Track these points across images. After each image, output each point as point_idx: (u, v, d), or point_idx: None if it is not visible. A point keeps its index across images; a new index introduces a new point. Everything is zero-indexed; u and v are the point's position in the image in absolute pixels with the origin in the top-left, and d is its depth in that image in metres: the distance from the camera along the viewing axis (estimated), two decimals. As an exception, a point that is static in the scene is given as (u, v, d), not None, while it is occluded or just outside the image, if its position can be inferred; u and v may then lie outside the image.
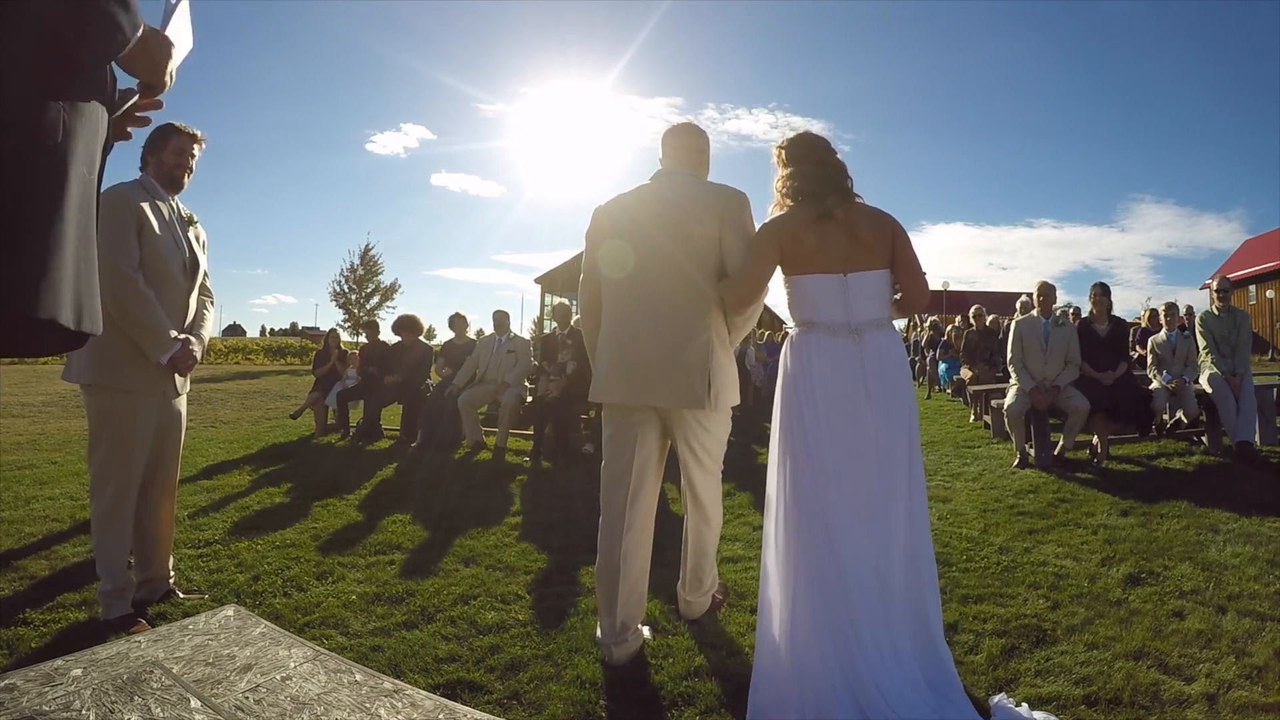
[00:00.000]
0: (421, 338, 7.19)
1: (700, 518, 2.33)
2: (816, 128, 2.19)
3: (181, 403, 2.62)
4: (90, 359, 2.35)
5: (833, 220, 1.94)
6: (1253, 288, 27.41)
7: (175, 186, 2.52)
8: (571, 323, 6.46)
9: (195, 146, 2.53)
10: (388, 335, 8.14)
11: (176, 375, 2.51)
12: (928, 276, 2.24)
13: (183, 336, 2.48)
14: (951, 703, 1.70)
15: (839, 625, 1.72)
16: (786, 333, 2.20)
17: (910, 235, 2.02)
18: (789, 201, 2.02)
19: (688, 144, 2.29)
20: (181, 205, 2.57)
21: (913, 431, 1.89)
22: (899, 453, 1.85)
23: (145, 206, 2.38)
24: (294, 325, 63.59)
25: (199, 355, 2.54)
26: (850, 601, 1.73)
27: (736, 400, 2.27)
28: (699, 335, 2.11)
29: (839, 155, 2.05)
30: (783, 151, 2.10)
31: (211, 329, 2.71)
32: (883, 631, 1.74)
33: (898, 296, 2.02)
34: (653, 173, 2.34)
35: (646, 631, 2.29)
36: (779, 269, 2.03)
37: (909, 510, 1.85)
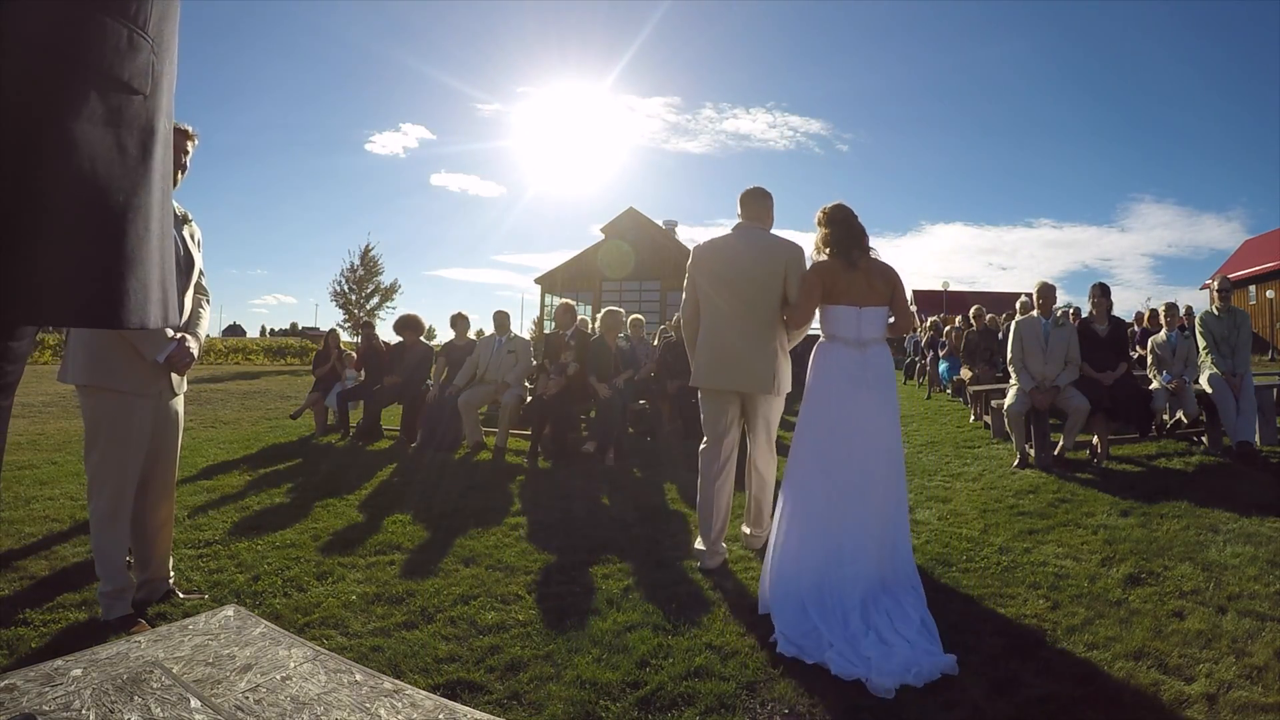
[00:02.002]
0: (422, 338, 7.18)
1: (761, 470, 3.17)
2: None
3: (179, 403, 2.61)
4: (85, 360, 2.34)
5: (856, 270, 2.76)
6: (1253, 288, 27.37)
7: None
8: (577, 323, 6.45)
9: (188, 143, 2.48)
10: (385, 335, 8.12)
11: (173, 374, 2.50)
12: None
13: (179, 335, 2.47)
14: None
15: (831, 530, 2.56)
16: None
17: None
18: (828, 251, 2.82)
19: (759, 204, 3.15)
20: (175, 203, 2.55)
21: (895, 408, 2.76)
22: (885, 421, 2.70)
23: None
24: (294, 325, 63.54)
25: (196, 354, 2.53)
26: (841, 511, 2.57)
27: (789, 388, 3.12)
28: (769, 344, 3.02)
29: (859, 219, 2.85)
30: (824, 215, 2.87)
31: (207, 328, 2.69)
32: (862, 531, 2.56)
33: (892, 321, 2.85)
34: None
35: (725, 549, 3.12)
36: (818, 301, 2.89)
37: (890, 456, 2.69)
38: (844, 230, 2.80)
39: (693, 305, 3.18)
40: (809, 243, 2.97)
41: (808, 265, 2.98)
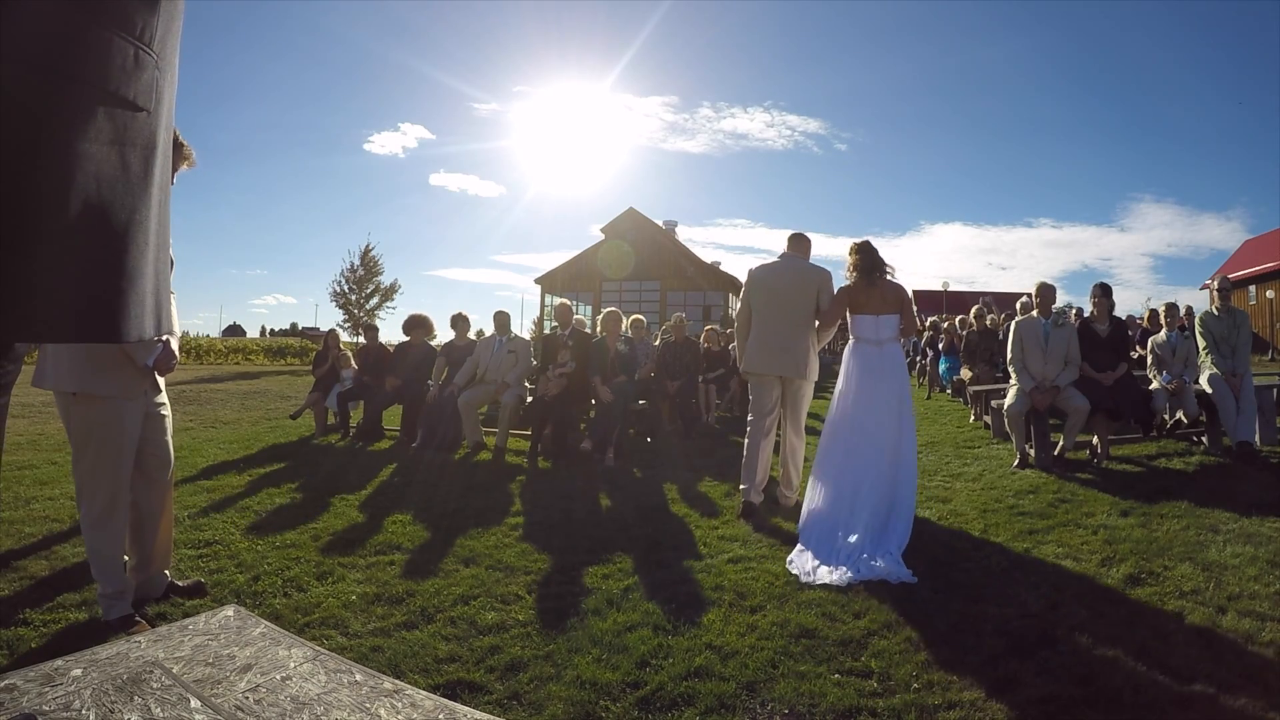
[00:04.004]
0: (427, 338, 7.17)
1: (794, 440, 4.09)
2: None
3: (163, 400, 2.62)
4: (71, 366, 2.32)
5: (875, 288, 3.72)
6: (1253, 288, 27.34)
7: None
8: (573, 323, 6.45)
9: (184, 164, 2.42)
10: (387, 337, 8.09)
11: (157, 376, 2.52)
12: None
13: (163, 338, 2.46)
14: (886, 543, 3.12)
15: (848, 483, 3.38)
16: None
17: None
18: (855, 274, 3.77)
19: (802, 244, 4.19)
20: None
21: (906, 394, 3.62)
22: (897, 403, 3.54)
23: None
24: (294, 325, 63.37)
25: (177, 355, 2.56)
26: (858, 473, 3.38)
27: (816, 376, 4.10)
28: (803, 341, 3.97)
29: (879, 252, 3.80)
30: (854, 247, 3.83)
31: (178, 326, 2.72)
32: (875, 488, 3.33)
33: (902, 326, 3.73)
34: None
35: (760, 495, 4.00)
36: (847, 310, 3.82)
37: (900, 432, 3.49)
38: (867, 259, 3.76)
39: (746, 312, 4.16)
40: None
41: (834, 284, 3.97)
